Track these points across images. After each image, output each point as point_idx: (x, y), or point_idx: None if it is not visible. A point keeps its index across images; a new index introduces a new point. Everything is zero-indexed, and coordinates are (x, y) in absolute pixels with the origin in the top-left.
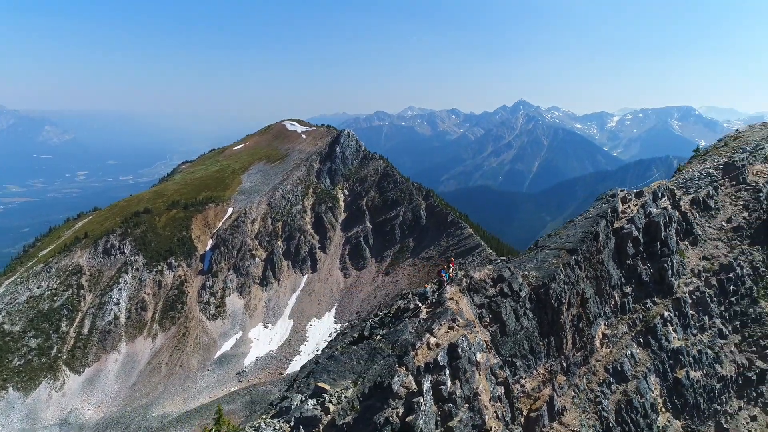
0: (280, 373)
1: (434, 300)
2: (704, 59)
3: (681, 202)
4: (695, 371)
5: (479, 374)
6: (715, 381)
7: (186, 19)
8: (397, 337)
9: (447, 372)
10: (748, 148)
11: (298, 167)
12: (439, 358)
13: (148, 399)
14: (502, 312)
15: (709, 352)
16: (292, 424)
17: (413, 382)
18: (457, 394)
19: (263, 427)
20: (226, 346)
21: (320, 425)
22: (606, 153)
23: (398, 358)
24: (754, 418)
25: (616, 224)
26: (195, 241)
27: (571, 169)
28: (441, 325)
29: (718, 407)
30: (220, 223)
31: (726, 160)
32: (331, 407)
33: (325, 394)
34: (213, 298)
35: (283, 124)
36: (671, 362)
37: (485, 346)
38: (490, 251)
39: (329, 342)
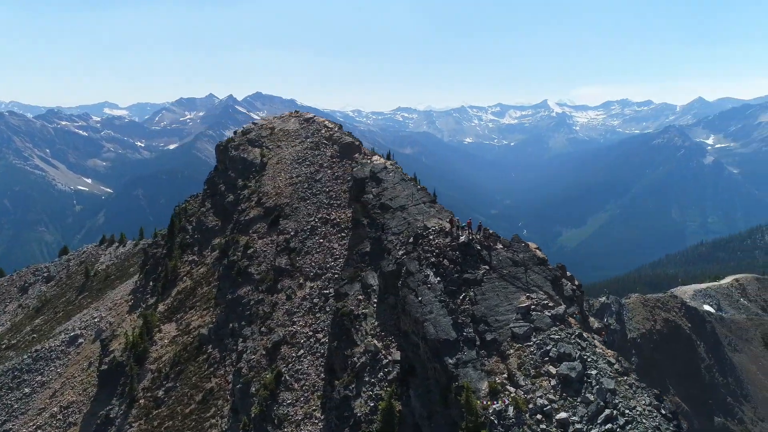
0: None
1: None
2: None
3: None
4: None
5: None
6: None
7: None
8: (514, 258)
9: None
10: (310, 134)
11: None
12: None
13: None
14: None
15: None
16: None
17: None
18: None
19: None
20: None
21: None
22: None
23: (539, 265)
24: None
25: None
26: None
27: None
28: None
29: None
30: None
31: (339, 145)
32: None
33: (533, 305)
34: None
35: None
36: None
37: None
38: None
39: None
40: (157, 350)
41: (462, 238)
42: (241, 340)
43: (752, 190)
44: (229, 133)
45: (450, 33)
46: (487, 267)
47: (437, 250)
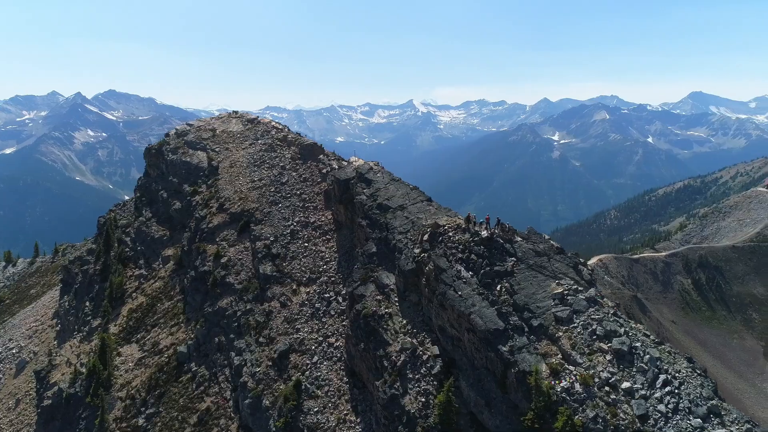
0: None
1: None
2: None
3: None
4: None
5: None
6: None
7: None
8: (536, 249)
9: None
10: (259, 135)
11: None
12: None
13: None
14: None
15: None
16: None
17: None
18: None
19: None
20: None
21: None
22: None
23: (559, 254)
24: None
25: None
26: None
27: None
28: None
29: None
30: None
31: (297, 146)
32: (582, 287)
33: (565, 290)
34: None
35: None
36: None
37: None
38: None
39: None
40: (122, 375)
41: (483, 234)
42: (234, 353)
43: (592, 180)
44: (79, 135)
45: (319, 32)
46: (514, 259)
47: (461, 246)
